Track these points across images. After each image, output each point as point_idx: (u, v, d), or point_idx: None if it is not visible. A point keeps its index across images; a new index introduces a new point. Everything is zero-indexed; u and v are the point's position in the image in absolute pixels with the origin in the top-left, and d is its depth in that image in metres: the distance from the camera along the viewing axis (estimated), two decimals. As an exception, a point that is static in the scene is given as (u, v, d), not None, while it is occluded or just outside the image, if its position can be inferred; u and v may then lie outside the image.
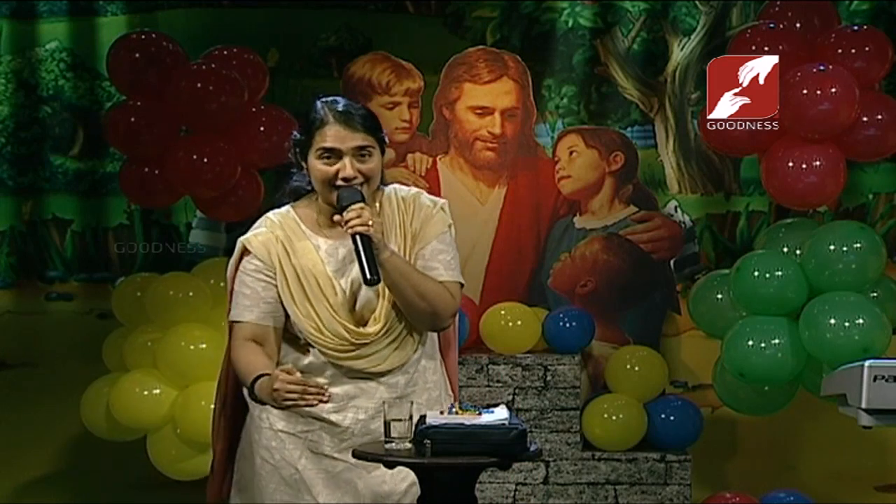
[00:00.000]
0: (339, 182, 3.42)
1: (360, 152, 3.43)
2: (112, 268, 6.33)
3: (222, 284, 5.62)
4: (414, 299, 3.42)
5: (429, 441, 3.20)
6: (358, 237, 3.34)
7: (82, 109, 6.34)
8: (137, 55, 5.64)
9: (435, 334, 3.59)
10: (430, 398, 3.51)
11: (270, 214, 3.57)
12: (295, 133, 3.52)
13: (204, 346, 5.37)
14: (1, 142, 6.35)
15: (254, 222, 3.60)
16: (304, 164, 3.50)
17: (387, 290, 3.44)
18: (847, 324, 5.14)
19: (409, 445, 3.26)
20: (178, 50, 5.69)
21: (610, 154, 6.16)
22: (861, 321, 5.15)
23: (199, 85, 5.53)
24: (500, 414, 3.27)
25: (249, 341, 3.47)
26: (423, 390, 3.51)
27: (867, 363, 4.08)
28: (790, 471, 6.19)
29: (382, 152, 3.49)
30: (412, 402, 3.36)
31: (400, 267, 3.41)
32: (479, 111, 6.16)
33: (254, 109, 5.72)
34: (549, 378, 5.84)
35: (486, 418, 3.25)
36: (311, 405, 3.32)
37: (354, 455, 3.34)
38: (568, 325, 5.94)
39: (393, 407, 3.31)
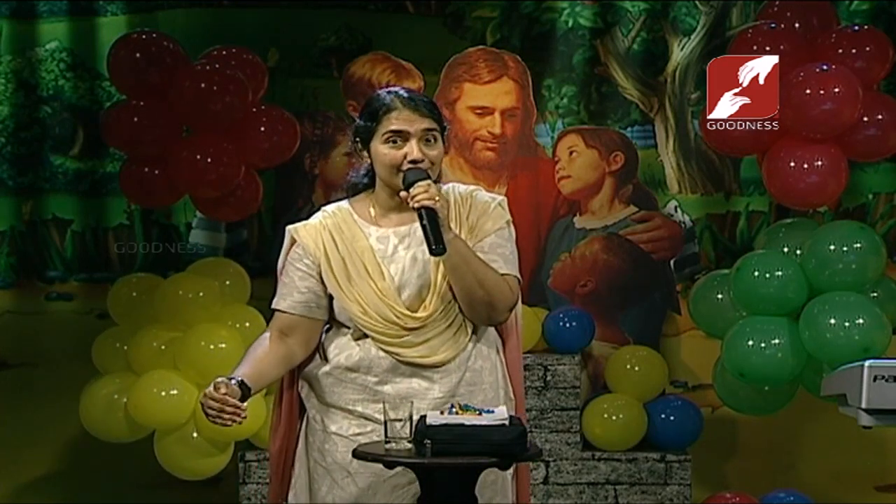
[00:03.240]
0: (408, 165, 3.42)
1: (426, 136, 3.45)
2: (112, 268, 6.32)
3: (228, 283, 5.67)
4: (473, 285, 3.39)
5: (429, 441, 3.20)
6: (423, 210, 3.33)
7: (82, 109, 6.34)
8: (138, 55, 5.64)
9: (493, 334, 3.57)
10: (485, 399, 3.46)
11: (326, 207, 3.59)
12: (358, 120, 3.52)
13: (224, 345, 5.38)
14: (1, 142, 6.34)
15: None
16: (365, 152, 3.50)
17: (440, 277, 3.42)
18: (847, 324, 5.15)
19: (409, 445, 3.26)
20: (179, 50, 5.69)
21: (610, 154, 6.17)
22: (861, 321, 5.15)
23: (202, 85, 5.53)
24: (500, 414, 3.27)
25: (276, 332, 3.49)
26: (479, 391, 3.47)
27: (867, 363, 4.07)
28: (790, 471, 6.19)
29: (444, 141, 3.50)
30: (412, 402, 3.35)
31: (462, 250, 3.39)
32: (479, 111, 6.16)
33: (254, 110, 5.72)
34: (549, 378, 5.84)
35: (487, 418, 3.25)
36: (226, 425, 3.30)
37: (354, 455, 3.33)
38: (568, 325, 5.94)
39: (391, 405, 3.30)
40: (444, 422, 3.23)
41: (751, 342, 5.31)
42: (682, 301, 6.07)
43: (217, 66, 5.61)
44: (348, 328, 3.48)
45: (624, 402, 5.87)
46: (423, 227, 3.33)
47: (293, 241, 3.54)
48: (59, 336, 6.30)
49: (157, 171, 5.65)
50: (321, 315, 3.51)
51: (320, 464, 3.49)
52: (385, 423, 3.30)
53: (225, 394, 3.31)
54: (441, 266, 3.42)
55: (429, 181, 3.38)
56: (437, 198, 3.34)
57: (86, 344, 5.72)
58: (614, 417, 5.83)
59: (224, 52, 5.74)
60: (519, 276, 3.52)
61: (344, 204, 3.57)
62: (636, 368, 5.93)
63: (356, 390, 3.45)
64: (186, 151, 5.58)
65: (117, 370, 5.63)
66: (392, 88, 3.54)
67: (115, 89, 6.06)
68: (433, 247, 3.32)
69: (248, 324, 5.53)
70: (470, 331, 3.48)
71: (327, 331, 3.56)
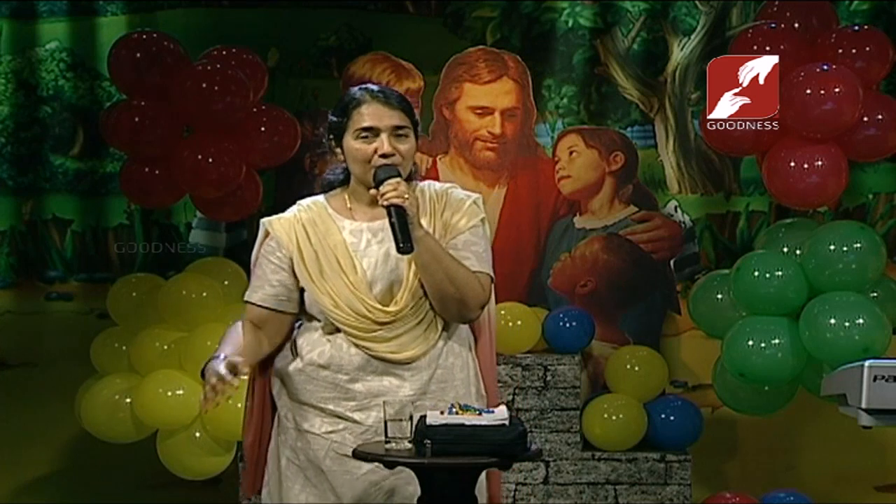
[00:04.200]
0: (378, 160, 3.43)
1: (397, 131, 3.46)
2: (112, 268, 6.32)
3: (227, 283, 5.67)
4: (444, 283, 3.41)
5: (429, 441, 3.20)
6: (392, 209, 3.34)
7: (82, 109, 6.34)
8: (139, 55, 5.64)
9: (465, 331, 3.57)
10: (457, 396, 3.47)
11: (302, 201, 3.60)
12: (330, 116, 3.53)
13: None
14: (1, 142, 6.34)
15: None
16: (338, 148, 3.51)
17: (412, 274, 3.44)
18: (847, 324, 5.14)
19: (409, 445, 3.26)
20: (180, 50, 5.69)
21: (610, 154, 6.17)
22: (861, 321, 5.15)
23: (203, 85, 5.53)
24: (500, 414, 3.27)
25: (248, 324, 3.51)
26: (451, 388, 3.48)
27: (867, 363, 4.08)
28: (790, 471, 6.19)
29: (416, 136, 3.51)
30: (412, 402, 3.36)
31: (432, 247, 3.41)
32: (479, 111, 6.17)
33: (255, 110, 5.72)
34: (549, 378, 5.84)
35: (487, 418, 3.25)
36: (207, 401, 3.32)
37: (354, 455, 3.33)
38: (568, 325, 5.94)
39: (391, 405, 3.30)
40: (444, 422, 3.23)
41: (751, 342, 5.31)
42: (682, 301, 6.07)
43: (218, 66, 5.61)
44: (319, 321, 3.49)
45: (624, 402, 5.87)
46: (392, 224, 3.35)
47: (267, 234, 3.55)
48: (59, 336, 6.30)
49: (157, 171, 5.65)
50: (292, 308, 3.52)
51: (293, 462, 3.50)
52: (385, 423, 3.30)
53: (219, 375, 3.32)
54: (413, 263, 3.43)
55: (398, 179, 3.39)
56: (406, 196, 3.36)
57: (86, 344, 5.73)
58: (614, 417, 5.83)
59: (224, 52, 5.74)
60: (492, 273, 3.53)
61: (319, 198, 3.59)
62: (636, 368, 5.93)
63: (327, 388, 3.45)
64: (187, 151, 5.58)
65: (117, 370, 5.63)
66: (363, 85, 3.55)
67: (116, 89, 6.06)
68: (400, 245, 3.34)
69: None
70: (441, 328, 3.49)
71: (299, 326, 3.57)
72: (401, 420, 3.28)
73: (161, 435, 5.56)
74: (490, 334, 3.62)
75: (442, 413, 3.26)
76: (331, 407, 3.45)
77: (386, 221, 3.41)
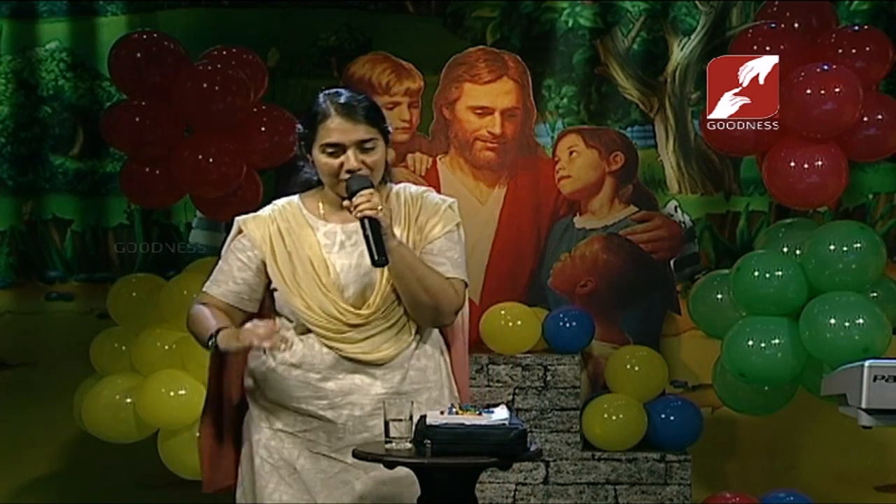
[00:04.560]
0: (345, 175, 3.43)
1: (363, 145, 3.45)
2: (112, 268, 6.32)
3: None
4: (418, 291, 3.42)
5: (429, 441, 3.20)
6: (366, 220, 3.34)
7: (82, 109, 6.34)
8: (139, 55, 5.64)
9: (437, 334, 3.58)
10: (430, 398, 3.49)
11: (276, 201, 3.61)
12: (299, 126, 3.54)
13: None
14: (1, 142, 6.34)
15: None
16: (309, 156, 3.52)
17: (385, 278, 3.45)
18: (847, 324, 5.14)
19: (409, 445, 3.26)
20: (180, 50, 5.69)
21: (610, 154, 6.17)
22: (861, 321, 5.15)
23: (204, 85, 5.53)
24: (500, 414, 3.28)
25: (208, 307, 3.51)
26: (424, 389, 3.50)
27: (867, 363, 4.08)
28: (790, 471, 6.19)
29: (387, 143, 3.50)
30: (412, 402, 3.36)
31: (406, 257, 3.41)
32: (479, 111, 6.17)
33: (255, 110, 5.72)
34: (549, 378, 5.84)
35: (486, 418, 3.25)
36: (270, 348, 3.28)
37: (355, 455, 3.34)
38: (568, 325, 5.94)
39: (391, 405, 3.31)
40: (444, 422, 3.23)
41: (751, 342, 5.31)
42: (682, 301, 6.07)
43: (218, 66, 5.61)
44: (291, 322, 3.49)
45: (624, 402, 5.87)
46: (366, 237, 3.35)
47: (240, 231, 3.56)
48: (59, 336, 6.29)
49: (157, 171, 5.65)
50: (251, 308, 3.53)
51: (267, 461, 3.50)
52: (385, 423, 3.31)
53: (274, 326, 3.30)
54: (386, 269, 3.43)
55: (371, 190, 3.38)
56: (379, 207, 3.36)
57: (86, 344, 5.72)
58: (614, 417, 5.83)
59: (224, 53, 5.74)
60: (466, 279, 3.55)
61: (294, 199, 3.60)
62: (636, 368, 5.93)
63: (299, 387, 3.46)
64: (188, 151, 5.58)
65: (117, 371, 5.63)
66: (331, 91, 3.52)
67: (116, 89, 6.06)
68: (375, 258, 3.34)
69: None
70: (413, 330, 3.51)
71: None
72: (401, 420, 3.29)
73: (162, 435, 5.56)
74: (464, 336, 3.67)
75: (442, 413, 3.27)
76: (303, 406, 3.46)
77: (359, 225, 3.41)
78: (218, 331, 3.38)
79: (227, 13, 6.38)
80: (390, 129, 3.53)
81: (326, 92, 3.52)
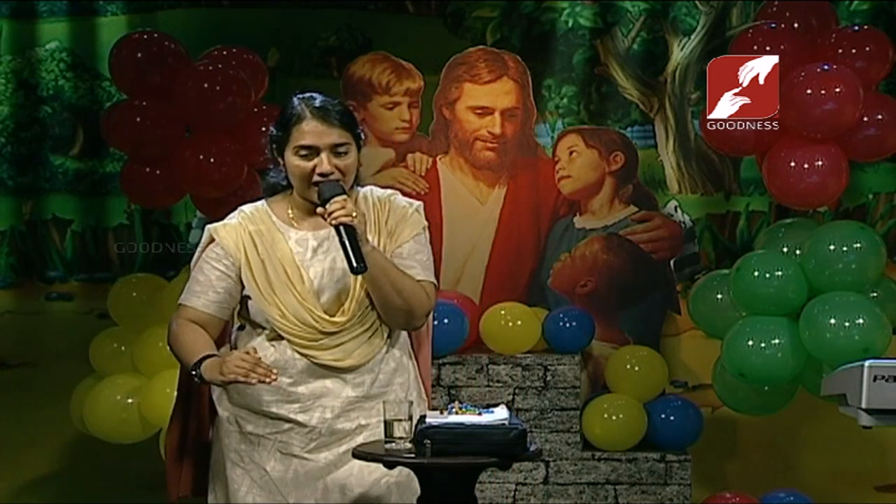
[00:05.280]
0: (317, 178, 3.43)
1: (337, 149, 3.45)
2: (112, 268, 6.33)
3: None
4: (391, 295, 3.43)
5: (429, 441, 3.20)
6: (342, 228, 3.34)
7: (82, 109, 6.34)
8: (140, 55, 5.64)
9: (406, 338, 3.59)
10: (397, 398, 3.49)
11: (243, 207, 3.60)
12: (272, 129, 3.53)
13: None
14: (1, 142, 6.35)
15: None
16: (280, 159, 3.51)
17: (358, 283, 3.45)
18: (847, 324, 5.14)
19: (409, 445, 3.26)
20: (181, 50, 5.69)
21: (610, 154, 6.17)
22: (861, 321, 5.15)
23: (205, 85, 5.53)
24: (500, 414, 3.28)
25: (186, 322, 3.49)
26: (391, 391, 3.51)
27: (867, 363, 4.08)
28: (790, 471, 6.19)
29: (359, 149, 3.50)
30: (412, 402, 3.36)
31: (379, 262, 3.42)
32: (479, 111, 6.16)
33: (255, 110, 5.72)
34: (549, 378, 5.84)
35: (486, 418, 3.26)
36: (251, 383, 3.27)
37: (354, 455, 3.34)
38: (568, 325, 5.94)
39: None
40: (443, 422, 3.23)
41: (751, 342, 5.31)
42: (682, 301, 6.07)
43: (219, 66, 5.61)
44: (263, 329, 3.50)
45: (624, 402, 5.87)
46: (343, 244, 3.34)
47: (211, 240, 3.56)
48: (59, 336, 6.30)
49: (158, 172, 5.65)
50: (229, 316, 3.54)
51: (238, 465, 3.51)
52: (385, 423, 3.31)
53: (256, 359, 3.29)
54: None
55: (344, 196, 3.38)
56: (353, 214, 3.35)
57: (86, 344, 5.73)
58: (614, 417, 5.83)
59: (224, 53, 5.74)
60: (436, 281, 3.56)
61: (261, 204, 3.58)
62: (636, 368, 5.93)
63: (270, 392, 3.46)
64: (189, 151, 5.58)
65: (117, 371, 5.62)
66: (306, 95, 3.51)
67: (116, 89, 6.07)
68: (354, 265, 3.33)
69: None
70: (385, 334, 3.52)
71: (239, 329, 3.57)
72: (401, 420, 3.29)
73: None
74: (428, 339, 3.67)
75: (442, 413, 3.27)
76: (273, 410, 3.47)
77: (330, 231, 3.41)
78: (201, 360, 3.37)
79: (227, 13, 6.38)
80: (363, 135, 3.52)
81: (301, 95, 3.51)
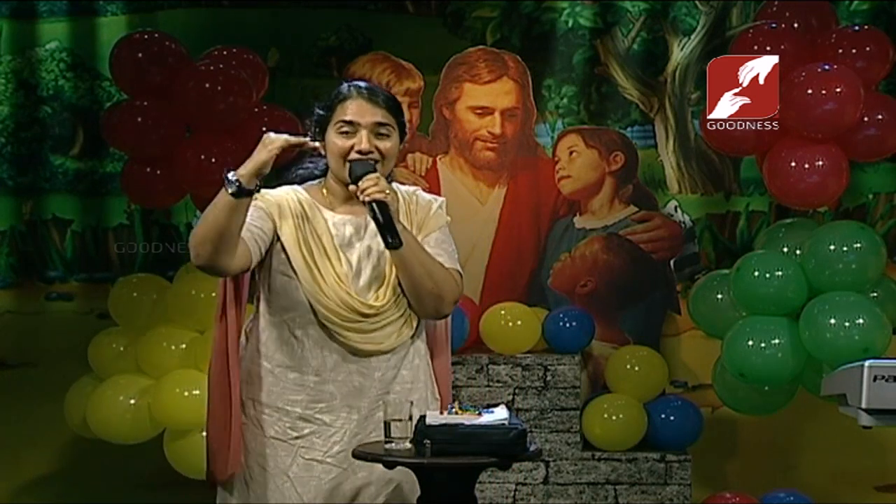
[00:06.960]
0: (354, 155, 3.41)
1: (378, 129, 3.44)
2: (112, 268, 6.33)
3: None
4: (423, 277, 3.41)
5: (429, 441, 3.20)
6: (375, 204, 3.31)
7: (82, 109, 6.34)
8: (140, 55, 5.64)
9: (423, 335, 3.57)
10: (420, 398, 3.49)
11: (284, 186, 3.55)
12: (317, 109, 3.51)
13: None
14: (1, 142, 6.35)
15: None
16: (321, 141, 3.48)
17: (392, 270, 3.44)
18: (847, 324, 5.14)
19: (409, 445, 3.26)
20: (181, 50, 5.69)
21: (610, 154, 6.17)
22: (861, 321, 5.15)
23: (206, 85, 5.54)
24: (500, 414, 3.27)
25: None
26: (416, 390, 3.50)
27: (867, 363, 4.08)
28: (790, 471, 6.19)
29: (401, 137, 3.49)
30: (412, 402, 3.36)
31: (411, 242, 3.40)
32: (479, 111, 6.17)
33: (255, 110, 5.73)
34: (549, 378, 5.84)
35: (486, 418, 3.25)
36: (304, 143, 3.31)
37: (354, 455, 3.34)
38: (568, 325, 5.94)
39: (390, 405, 3.30)
40: (443, 422, 3.23)
41: (751, 342, 5.31)
42: (682, 301, 6.07)
43: (220, 66, 5.61)
44: (285, 316, 3.45)
45: (624, 402, 5.87)
46: (377, 220, 3.31)
47: (254, 198, 3.41)
48: (59, 336, 6.30)
49: (158, 171, 5.65)
50: (256, 252, 3.41)
51: (260, 467, 3.48)
52: (385, 423, 3.31)
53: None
54: (392, 258, 3.42)
55: (377, 174, 3.35)
56: (387, 191, 3.33)
57: (86, 344, 5.72)
58: (614, 417, 5.83)
59: (225, 53, 5.74)
60: (462, 271, 3.54)
61: (298, 188, 3.55)
62: (636, 368, 5.93)
63: (296, 390, 3.44)
64: (189, 151, 5.59)
65: (116, 371, 5.62)
66: (354, 81, 3.54)
67: (116, 89, 6.07)
68: (390, 240, 3.31)
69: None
70: (415, 325, 3.50)
71: (257, 325, 3.53)
72: (400, 420, 3.29)
73: (170, 435, 5.54)
74: (447, 339, 3.64)
75: (442, 413, 3.27)
76: (298, 410, 3.44)
77: (366, 217, 3.40)
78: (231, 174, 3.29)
79: (227, 13, 6.38)
80: (407, 125, 3.52)
81: (348, 82, 3.52)
